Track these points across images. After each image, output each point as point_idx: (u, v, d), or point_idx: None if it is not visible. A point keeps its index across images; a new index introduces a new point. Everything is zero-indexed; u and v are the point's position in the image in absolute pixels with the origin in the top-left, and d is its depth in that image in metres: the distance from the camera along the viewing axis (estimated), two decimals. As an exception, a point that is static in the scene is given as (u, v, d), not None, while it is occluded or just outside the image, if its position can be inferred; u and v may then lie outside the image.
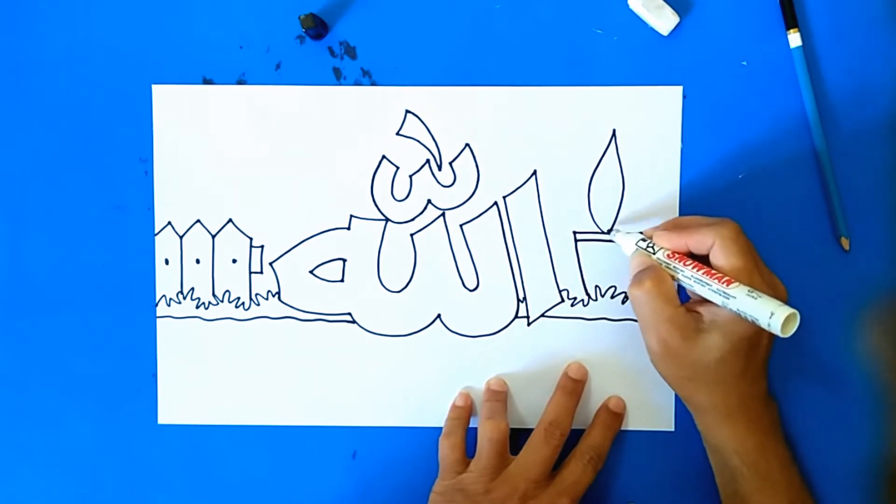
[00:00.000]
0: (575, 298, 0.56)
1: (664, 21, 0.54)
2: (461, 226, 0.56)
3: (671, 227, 0.51)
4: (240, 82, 0.56)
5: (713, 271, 0.47)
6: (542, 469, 0.52)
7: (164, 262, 0.57)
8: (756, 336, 0.48)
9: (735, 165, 0.55)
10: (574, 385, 0.55)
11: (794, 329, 0.44)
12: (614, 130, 0.55)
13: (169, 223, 0.57)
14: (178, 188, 0.56)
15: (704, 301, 0.49)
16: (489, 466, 0.53)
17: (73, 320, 0.57)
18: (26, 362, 0.57)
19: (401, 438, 0.56)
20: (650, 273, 0.49)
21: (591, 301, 0.56)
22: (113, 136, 0.57)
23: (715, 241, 0.48)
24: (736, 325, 0.47)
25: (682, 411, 0.55)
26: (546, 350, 0.56)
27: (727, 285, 0.46)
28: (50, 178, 0.57)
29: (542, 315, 0.56)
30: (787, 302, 0.46)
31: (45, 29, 0.57)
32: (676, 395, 0.55)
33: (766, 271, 0.49)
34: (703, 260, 0.49)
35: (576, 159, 0.55)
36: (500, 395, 0.55)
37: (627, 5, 0.55)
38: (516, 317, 0.56)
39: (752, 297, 0.45)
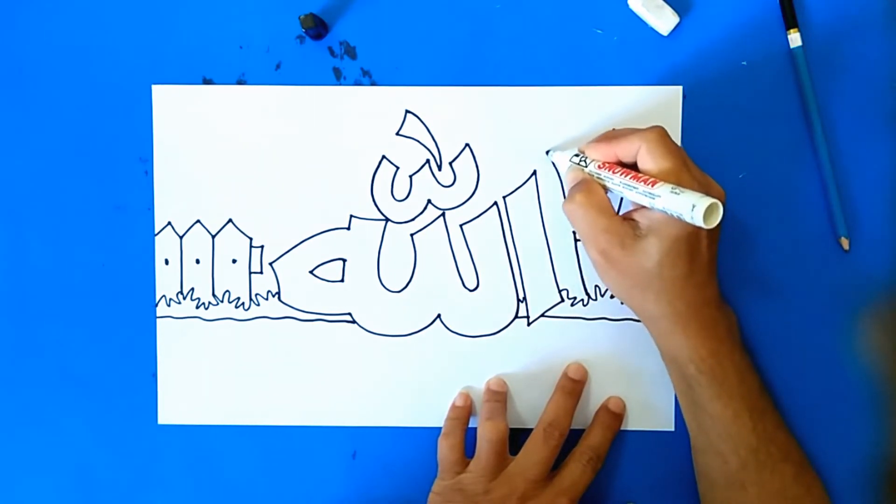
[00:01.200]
0: (575, 298, 0.56)
1: (664, 21, 0.54)
2: (461, 226, 0.56)
3: (601, 138, 0.51)
4: (240, 82, 0.56)
5: (640, 175, 0.48)
6: (541, 469, 0.52)
7: (164, 262, 0.57)
8: (693, 237, 0.48)
9: (735, 165, 0.55)
10: (573, 385, 0.55)
11: (718, 220, 0.44)
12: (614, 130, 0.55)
13: (169, 223, 0.57)
14: (178, 188, 0.56)
15: (640, 208, 0.49)
16: (488, 467, 0.53)
17: (73, 320, 0.57)
18: (26, 362, 0.57)
19: (401, 438, 0.56)
20: (581, 186, 0.50)
21: (590, 301, 0.56)
22: (113, 136, 0.57)
23: (641, 145, 0.48)
24: (670, 226, 0.47)
25: (681, 411, 0.55)
26: (546, 350, 0.56)
27: (652, 186, 0.46)
28: (50, 178, 0.57)
29: (542, 315, 0.56)
30: (725, 204, 0.45)
31: (45, 29, 0.57)
32: (676, 396, 0.55)
33: (697, 171, 0.49)
34: (634, 168, 0.49)
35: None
36: (499, 396, 0.55)
37: (627, 5, 0.55)
38: (516, 317, 0.56)
39: (675, 193, 0.45)
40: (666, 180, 0.47)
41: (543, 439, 0.53)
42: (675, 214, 0.45)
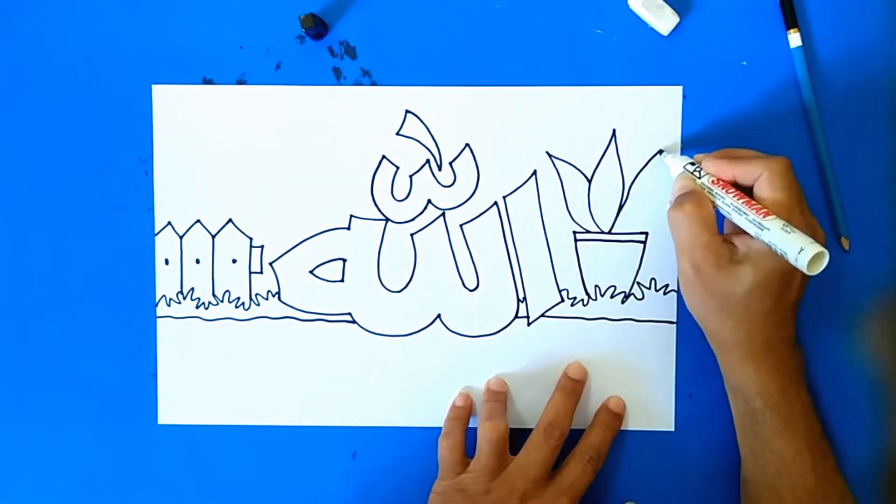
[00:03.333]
0: (575, 298, 0.56)
1: (664, 21, 0.54)
2: (461, 226, 0.56)
3: (723, 155, 0.51)
4: (240, 82, 0.56)
5: (753, 202, 0.47)
6: (541, 469, 0.52)
7: (164, 262, 0.57)
8: (788, 275, 0.48)
9: (735, 165, 0.55)
10: (573, 385, 0.55)
11: (821, 269, 0.44)
12: (614, 130, 0.55)
13: (169, 223, 0.57)
14: (178, 188, 0.56)
15: (740, 234, 0.48)
16: (488, 466, 0.53)
17: (73, 320, 0.57)
18: (26, 362, 0.57)
19: (401, 438, 0.56)
20: (691, 196, 0.49)
21: (590, 301, 0.56)
22: (113, 136, 0.57)
23: (763, 172, 0.48)
24: (769, 259, 0.47)
25: (682, 411, 0.55)
26: (546, 350, 0.56)
27: (764, 216, 0.46)
28: (50, 178, 0.57)
29: (542, 315, 0.56)
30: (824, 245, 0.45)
31: (45, 29, 0.57)
32: (676, 395, 0.55)
33: (807, 212, 0.49)
34: (748, 192, 0.49)
35: (576, 159, 0.55)
36: (499, 396, 0.55)
37: (627, 5, 0.55)
38: (516, 317, 0.56)
39: (786, 231, 0.45)
40: (777, 212, 0.46)
41: (544, 439, 0.53)
42: (779, 252, 0.45)
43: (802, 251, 0.44)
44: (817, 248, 0.44)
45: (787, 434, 0.50)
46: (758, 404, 0.50)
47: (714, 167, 0.50)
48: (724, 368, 0.52)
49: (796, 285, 0.49)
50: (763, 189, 0.48)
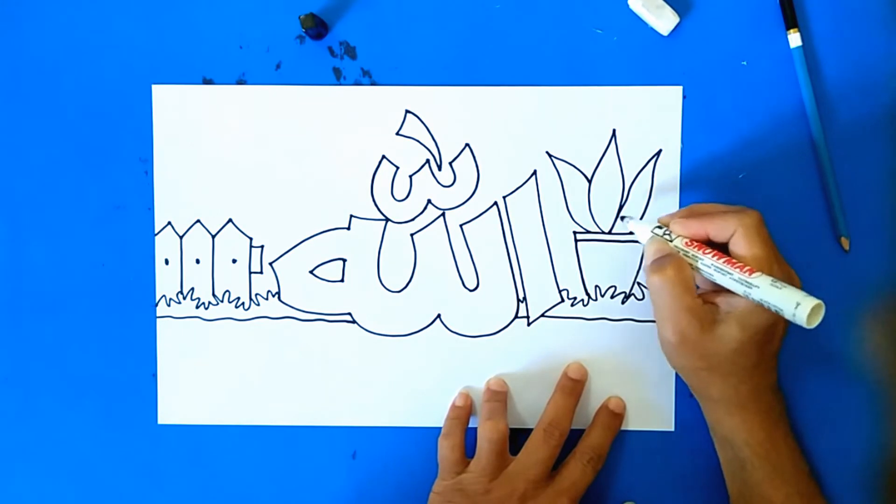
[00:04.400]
0: (575, 298, 0.56)
1: (664, 21, 0.54)
2: (461, 226, 0.56)
3: (689, 214, 0.50)
4: (240, 82, 0.56)
5: (733, 260, 0.47)
6: (541, 469, 0.52)
7: (164, 262, 0.57)
8: (772, 327, 0.48)
9: (735, 165, 0.55)
10: (573, 385, 0.55)
11: (820, 320, 0.44)
12: (614, 130, 0.55)
13: (169, 223, 0.57)
14: (178, 188, 0.56)
15: (718, 291, 0.48)
16: (488, 466, 0.53)
17: (73, 320, 0.57)
18: (26, 362, 0.57)
19: (401, 438, 0.56)
20: (671, 260, 0.48)
21: (590, 301, 0.56)
22: (113, 136, 0.57)
23: (738, 228, 0.47)
24: (753, 315, 0.47)
25: (682, 411, 0.55)
26: (546, 350, 0.56)
27: (749, 274, 0.46)
28: (50, 178, 0.57)
29: (542, 315, 0.56)
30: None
31: (45, 29, 0.57)
32: (676, 395, 0.55)
33: (783, 262, 0.49)
34: (720, 248, 0.48)
35: (576, 159, 0.55)
36: (499, 396, 0.55)
37: (627, 5, 0.55)
38: (516, 317, 0.56)
39: (776, 287, 0.44)
40: (759, 268, 0.46)
41: (543, 439, 0.53)
42: (773, 308, 0.44)
43: (799, 306, 0.43)
44: (813, 300, 0.43)
45: (777, 480, 0.50)
46: (746, 453, 0.50)
47: (685, 228, 0.49)
48: (709, 419, 0.52)
49: (779, 335, 0.49)
50: (740, 245, 0.47)
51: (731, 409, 0.50)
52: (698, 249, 0.48)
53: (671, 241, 0.50)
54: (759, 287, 0.45)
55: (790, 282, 0.47)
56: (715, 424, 0.52)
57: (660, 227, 0.51)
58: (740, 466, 0.51)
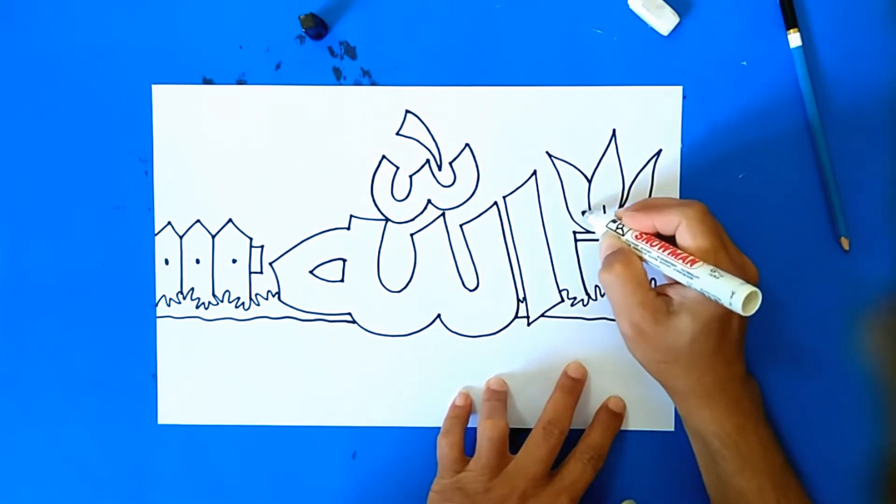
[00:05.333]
0: (575, 298, 0.56)
1: (664, 21, 0.54)
2: (461, 226, 0.56)
3: (640, 207, 0.51)
4: (240, 82, 0.56)
5: (679, 251, 0.48)
6: (541, 468, 0.52)
7: (164, 262, 0.57)
8: (725, 316, 0.48)
9: (735, 165, 0.55)
10: (573, 384, 0.55)
11: (756, 308, 0.44)
12: (614, 130, 0.55)
13: (169, 223, 0.57)
14: (178, 188, 0.56)
15: (673, 283, 0.49)
16: (488, 465, 0.53)
17: (73, 320, 0.57)
18: (26, 362, 0.57)
19: (401, 438, 0.56)
20: (619, 256, 0.50)
21: (590, 301, 0.56)
22: (113, 136, 0.57)
23: (681, 221, 0.48)
24: (703, 305, 0.47)
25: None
26: (546, 350, 0.56)
27: (691, 265, 0.46)
28: (50, 178, 0.57)
29: (542, 315, 0.56)
30: (758, 285, 0.46)
31: (45, 29, 0.57)
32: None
33: (734, 251, 0.49)
34: (670, 241, 0.49)
35: (576, 159, 0.55)
36: (499, 395, 0.55)
37: (627, 5, 0.55)
38: (516, 317, 0.56)
39: (714, 276, 0.45)
40: (704, 259, 0.47)
41: (543, 437, 0.53)
42: (712, 297, 0.45)
43: (734, 294, 0.44)
44: (748, 288, 0.44)
45: (748, 471, 0.50)
46: (716, 445, 0.50)
47: (633, 221, 0.50)
48: (681, 413, 0.52)
49: (735, 324, 0.49)
50: (685, 237, 0.48)
51: (698, 401, 0.50)
52: (647, 242, 0.49)
53: (623, 234, 0.51)
54: (698, 277, 0.46)
55: (741, 271, 0.48)
56: (685, 417, 0.52)
57: (614, 221, 0.52)
58: (712, 459, 0.51)
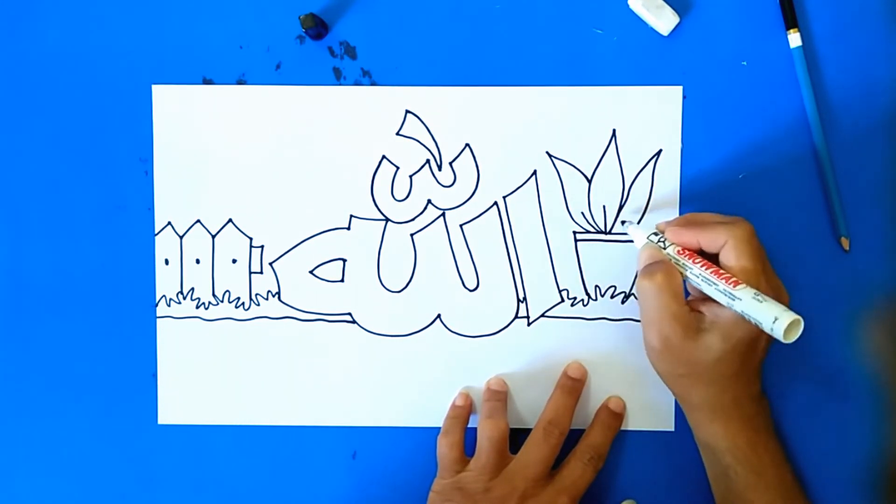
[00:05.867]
0: (575, 298, 0.56)
1: (664, 21, 0.54)
2: (461, 226, 0.56)
3: (684, 223, 0.51)
4: (240, 82, 0.56)
5: (721, 271, 0.47)
6: (541, 468, 0.52)
7: (164, 262, 0.57)
8: (755, 339, 0.48)
9: (735, 165, 0.55)
10: (573, 384, 0.55)
11: (797, 336, 0.44)
12: (614, 130, 0.55)
13: (169, 223, 0.57)
14: (178, 188, 0.56)
15: (706, 300, 0.49)
16: (488, 465, 0.53)
17: (73, 320, 0.57)
18: (26, 362, 0.57)
19: (401, 438, 0.56)
20: (662, 267, 0.49)
21: (591, 301, 0.56)
22: (113, 136, 0.57)
23: (728, 240, 0.48)
24: (737, 327, 0.47)
25: (681, 411, 0.55)
26: (546, 350, 0.56)
27: (734, 286, 0.46)
28: (50, 178, 0.57)
29: (542, 315, 0.56)
30: (789, 308, 0.46)
31: (45, 29, 0.57)
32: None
33: (772, 276, 0.49)
34: (712, 258, 0.49)
35: (576, 159, 0.55)
36: (499, 395, 0.55)
37: (627, 5, 0.55)
38: (516, 317, 0.56)
39: (758, 300, 0.45)
40: (746, 280, 0.46)
41: (543, 437, 0.53)
42: (753, 321, 0.45)
43: (777, 320, 0.44)
44: (792, 315, 0.44)
45: (761, 487, 0.50)
46: (728, 460, 0.50)
47: (677, 237, 0.50)
48: (692, 424, 0.52)
49: (762, 347, 0.49)
50: (729, 257, 0.48)
51: (712, 415, 0.50)
52: (689, 258, 0.49)
53: (665, 248, 0.50)
54: (741, 299, 0.46)
55: (777, 296, 0.48)
56: (697, 430, 0.52)
57: (656, 234, 0.51)
58: (723, 473, 0.51)
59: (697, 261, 0.48)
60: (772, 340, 0.49)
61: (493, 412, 0.54)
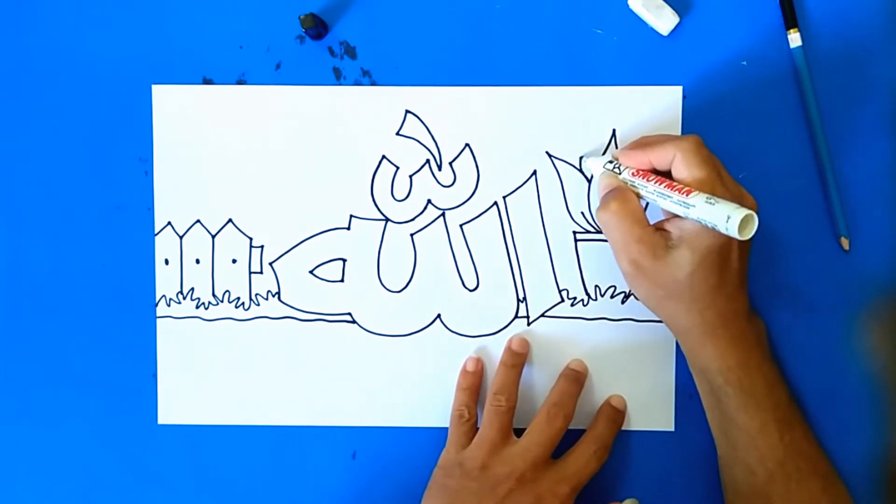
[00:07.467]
0: (575, 298, 0.56)
1: (664, 21, 0.54)
2: (461, 226, 0.56)
3: (635, 145, 0.51)
4: (240, 82, 0.56)
5: (675, 184, 0.48)
6: (542, 451, 0.52)
7: (164, 262, 0.57)
8: (724, 248, 0.48)
9: (735, 165, 0.55)
10: (577, 375, 0.55)
11: (753, 231, 0.44)
12: (614, 130, 0.55)
13: (169, 223, 0.57)
14: (178, 188, 0.56)
15: (672, 219, 0.49)
16: (490, 442, 0.52)
17: (73, 320, 0.57)
18: (26, 362, 0.57)
19: (401, 438, 0.56)
20: (615, 194, 0.50)
21: (590, 301, 0.56)
22: (113, 136, 0.57)
23: (676, 153, 0.48)
24: (702, 237, 0.47)
25: (682, 411, 0.55)
26: (546, 350, 0.56)
27: (687, 195, 0.46)
28: (50, 178, 0.57)
29: (542, 315, 0.56)
30: (757, 215, 0.45)
31: (45, 29, 0.57)
32: (676, 395, 0.55)
33: (730, 182, 0.49)
34: (668, 176, 0.49)
35: (576, 159, 0.55)
36: (518, 359, 0.55)
37: (627, 5, 0.55)
38: (516, 317, 0.56)
39: (710, 203, 0.45)
40: (700, 190, 0.47)
41: (547, 420, 0.53)
42: (709, 225, 0.45)
43: (730, 218, 0.44)
44: (744, 211, 0.44)
45: (751, 407, 0.50)
46: (720, 381, 0.50)
47: (629, 159, 0.50)
48: (685, 352, 0.52)
49: (735, 256, 0.49)
50: (680, 169, 0.48)
51: (700, 337, 0.50)
52: (643, 178, 0.49)
53: (620, 173, 0.51)
54: (695, 206, 0.46)
55: (740, 200, 0.48)
56: (689, 355, 0.51)
57: (611, 162, 0.52)
58: (716, 397, 0.51)
59: (651, 178, 0.49)
60: (747, 249, 0.49)
61: (504, 385, 0.54)
